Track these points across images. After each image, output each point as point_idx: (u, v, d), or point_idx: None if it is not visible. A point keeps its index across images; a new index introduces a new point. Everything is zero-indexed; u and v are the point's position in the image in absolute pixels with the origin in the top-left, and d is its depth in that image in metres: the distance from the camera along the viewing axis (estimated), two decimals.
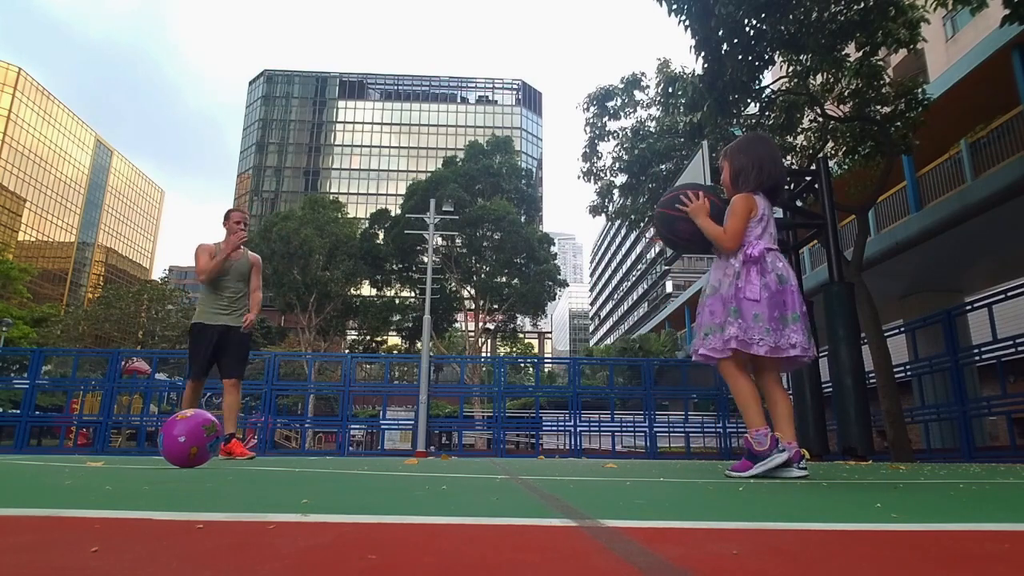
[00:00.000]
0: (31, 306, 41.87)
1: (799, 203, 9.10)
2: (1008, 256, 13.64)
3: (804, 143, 10.78)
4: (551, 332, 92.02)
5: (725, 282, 2.55)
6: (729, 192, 2.75)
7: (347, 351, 38.80)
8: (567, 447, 11.62)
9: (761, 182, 2.63)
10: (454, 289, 37.21)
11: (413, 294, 38.73)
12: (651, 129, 12.55)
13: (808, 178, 8.79)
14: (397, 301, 39.18)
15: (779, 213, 10.13)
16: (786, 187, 2.70)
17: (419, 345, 29.59)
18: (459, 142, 62.66)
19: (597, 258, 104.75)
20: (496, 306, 36.71)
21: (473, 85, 77.86)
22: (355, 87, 76.22)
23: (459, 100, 76.97)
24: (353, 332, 42.76)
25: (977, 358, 8.15)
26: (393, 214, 37.32)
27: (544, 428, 14.08)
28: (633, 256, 76.70)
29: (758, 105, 10.20)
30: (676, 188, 2.87)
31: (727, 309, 2.48)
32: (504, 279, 36.65)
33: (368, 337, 40.25)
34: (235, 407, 4.85)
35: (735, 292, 2.49)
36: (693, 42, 7.72)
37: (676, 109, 11.60)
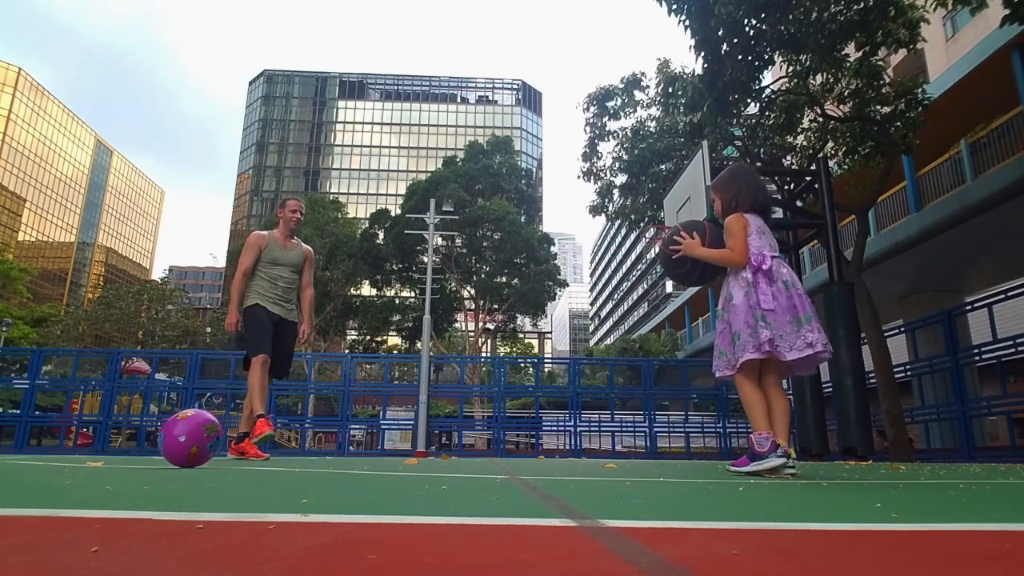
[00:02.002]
0: (31, 306, 41.88)
1: (799, 203, 9.10)
2: (1008, 256, 13.64)
3: (804, 143, 10.78)
4: (551, 332, 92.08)
5: (740, 294, 2.74)
6: (723, 217, 2.97)
7: (347, 351, 38.80)
8: (567, 447, 11.62)
9: (749, 206, 2.87)
10: (454, 289, 37.20)
11: (413, 294, 38.73)
12: (651, 129, 12.53)
13: (808, 178, 8.79)
14: (397, 301, 39.18)
15: (779, 213, 10.14)
16: (773, 208, 3.03)
17: (419, 345, 29.59)
18: (459, 142, 62.66)
19: (597, 258, 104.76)
20: (496, 306, 36.71)
21: (473, 85, 77.87)
22: (355, 87, 76.23)
23: (459, 100, 76.97)
24: (353, 332, 42.75)
25: (977, 358, 8.16)
26: (393, 214, 37.30)
27: (544, 428, 14.07)
28: (633, 256, 76.68)
29: (758, 105, 10.19)
30: (671, 230, 3.10)
31: (754, 316, 2.66)
32: (504, 279, 36.64)
33: (368, 337, 40.24)
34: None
35: (753, 304, 2.67)
36: (693, 42, 7.71)
37: (676, 109, 11.59)
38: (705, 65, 7.93)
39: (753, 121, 10.71)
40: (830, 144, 10.22)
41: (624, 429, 12.47)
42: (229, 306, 4.58)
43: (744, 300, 2.70)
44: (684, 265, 2.98)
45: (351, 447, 13.22)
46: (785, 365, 2.67)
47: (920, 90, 9.19)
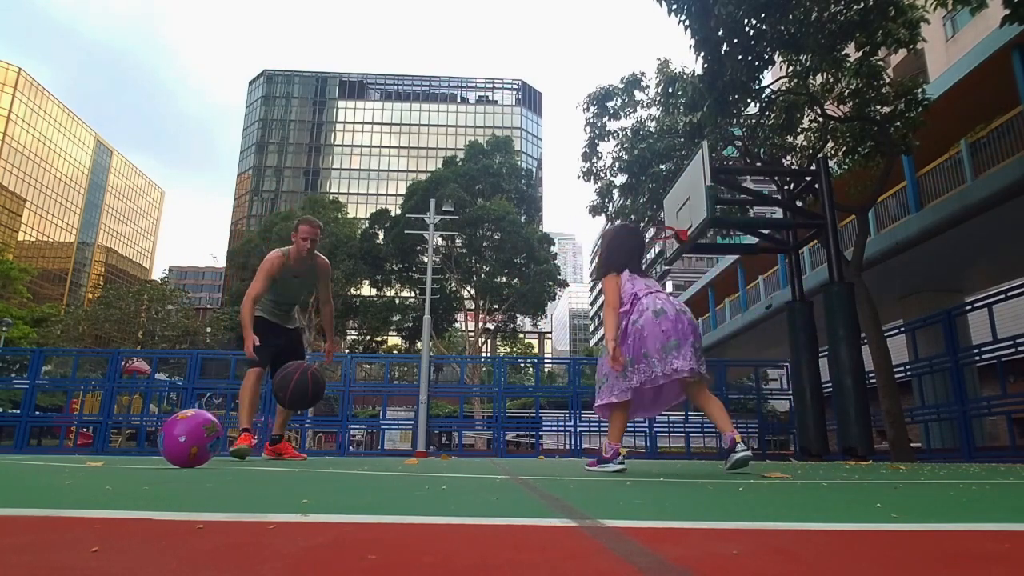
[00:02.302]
0: (31, 306, 41.89)
1: (799, 203, 9.10)
2: (1008, 256, 13.64)
3: (804, 143, 10.77)
4: (551, 332, 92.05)
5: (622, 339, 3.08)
6: (598, 276, 3.40)
7: (347, 351, 38.79)
8: (567, 447, 11.62)
9: (615, 265, 3.20)
10: (454, 289, 37.21)
11: (413, 294, 38.74)
12: (651, 129, 12.53)
13: (808, 178, 8.79)
14: (397, 301, 39.20)
15: (779, 213, 10.13)
16: (643, 256, 3.50)
17: (419, 345, 29.59)
18: (459, 142, 62.67)
19: (597, 258, 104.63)
20: (496, 306, 36.71)
21: (473, 85, 77.87)
22: (355, 87, 76.23)
23: (459, 100, 76.97)
24: (353, 332, 42.77)
25: (977, 358, 8.15)
26: (393, 214, 37.32)
27: (544, 428, 14.07)
28: None
29: (758, 105, 10.19)
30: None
31: (628, 361, 2.98)
32: (504, 279, 36.65)
33: (368, 337, 40.27)
34: (287, 411, 4.76)
35: (627, 346, 3.00)
36: (693, 42, 7.71)
37: (676, 109, 11.58)
38: (705, 65, 7.93)
39: (753, 121, 10.70)
40: (830, 144, 10.22)
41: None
42: (244, 332, 4.47)
43: (624, 340, 3.03)
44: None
45: (351, 447, 13.22)
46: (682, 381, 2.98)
47: (920, 90, 9.18)
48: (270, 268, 4.64)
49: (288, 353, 4.71)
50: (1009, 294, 7.41)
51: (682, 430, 11.91)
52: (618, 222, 13.26)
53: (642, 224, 13.55)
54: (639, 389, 2.95)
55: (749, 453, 2.87)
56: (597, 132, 12.92)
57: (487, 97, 77.14)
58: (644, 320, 2.94)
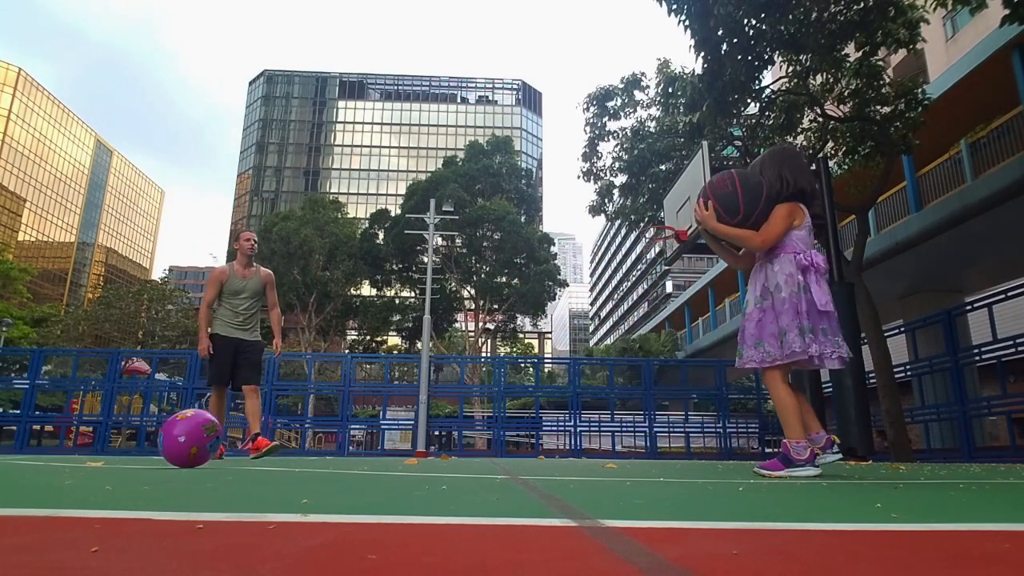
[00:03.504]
0: (31, 306, 41.87)
1: None
2: (1008, 256, 13.63)
3: (804, 143, 10.77)
4: (551, 332, 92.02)
5: (787, 291, 2.62)
6: (764, 204, 2.75)
7: (347, 351, 38.80)
8: (567, 447, 11.62)
9: (795, 193, 2.72)
10: (454, 289, 37.20)
11: (413, 294, 38.72)
12: (651, 129, 12.53)
13: None
14: (397, 301, 39.17)
15: None
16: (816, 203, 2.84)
17: (419, 345, 29.58)
18: (459, 142, 62.66)
19: (597, 258, 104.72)
20: (496, 306, 36.70)
21: (473, 85, 77.84)
22: (355, 87, 76.21)
23: (459, 100, 76.94)
24: (353, 332, 42.75)
25: (977, 358, 8.15)
26: (393, 214, 37.30)
27: (544, 428, 14.07)
28: (633, 256, 76.70)
29: (758, 105, 10.19)
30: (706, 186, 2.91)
31: (801, 325, 2.57)
32: (504, 279, 36.63)
33: (368, 337, 40.24)
34: (258, 410, 5.18)
35: (803, 310, 2.57)
36: (693, 42, 7.71)
37: (676, 109, 11.58)
38: (705, 65, 7.93)
39: (753, 121, 10.70)
40: (830, 144, 10.22)
41: (624, 429, 12.47)
42: (199, 335, 5.09)
43: (791, 300, 2.61)
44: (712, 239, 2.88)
45: (351, 447, 13.23)
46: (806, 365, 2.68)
47: (920, 90, 9.18)
48: (215, 277, 5.19)
49: (238, 361, 5.14)
50: (1009, 294, 7.41)
51: (682, 430, 11.91)
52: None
53: (642, 224, 13.56)
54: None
55: (841, 456, 2.67)
56: (597, 132, 12.92)
57: (487, 97, 77.12)
58: (813, 291, 2.59)
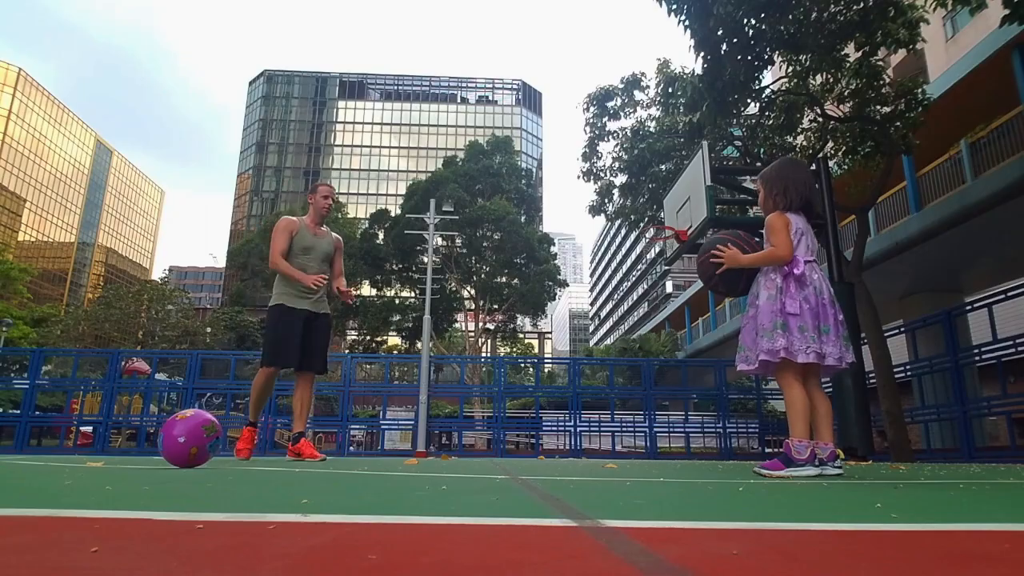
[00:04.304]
0: (31, 306, 41.87)
1: None
2: (1008, 256, 13.63)
3: (804, 143, 10.78)
4: (551, 332, 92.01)
5: (765, 295, 2.76)
6: (765, 213, 2.95)
7: (347, 351, 38.80)
8: (567, 447, 11.62)
9: (790, 202, 2.84)
10: (454, 289, 37.20)
11: (413, 294, 38.72)
12: (651, 129, 12.54)
13: None
14: (397, 301, 39.17)
15: None
16: (817, 206, 3.04)
17: (419, 345, 29.57)
18: (459, 142, 62.67)
19: (597, 258, 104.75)
20: (496, 306, 36.71)
21: (473, 85, 77.86)
22: (355, 87, 76.23)
23: (459, 100, 76.97)
24: (353, 332, 42.75)
25: (977, 358, 8.15)
26: (393, 214, 37.31)
27: (544, 428, 14.07)
28: (633, 256, 76.69)
29: (758, 105, 10.19)
30: (709, 243, 3.08)
31: (774, 322, 2.68)
32: (504, 279, 36.64)
33: (368, 337, 40.24)
34: (308, 403, 4.45)
35: (780, 307, 2.69)
36: (693, 42, 7.71)
37: (676, 109, 11.59)
38: (705, 65, 7.93)
39: (753, 121, 10.70)
40: (830, 144, 10.22)
41: (624, 429, 12.47)
42: (295, 277, 4.24)
43: (767, 303, 2.72)
44: (736, 282, 2.97)
45: (351, 447, 13.23)
46: (823, 368, 2.70)
47: (920, 90, 9.19)
48: (285, 227, 4.35)
49: (308, 339, 4.37)
50: (1009, 294, 7.41)
51: (682, 430, 11.91)
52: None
53: (642, 224, 13.56)
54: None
55: (843, 471, 2.64)
56: (597, 132, 12.93)
57: (487, 97, 77.14)
58: (806, 294, 2.70)
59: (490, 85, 77.59)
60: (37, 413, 13.31)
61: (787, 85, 9.93)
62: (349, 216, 41.31)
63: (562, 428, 12.47)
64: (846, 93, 9.35)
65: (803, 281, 2.71)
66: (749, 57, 7.93)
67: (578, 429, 11.27)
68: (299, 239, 4.42)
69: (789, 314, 2.65)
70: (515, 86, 76.97)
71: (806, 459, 2.56)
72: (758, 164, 11.16)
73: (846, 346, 2.69)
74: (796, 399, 2.65)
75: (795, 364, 2.65)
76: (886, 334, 8.85)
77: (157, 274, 72.66)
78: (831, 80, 9.48)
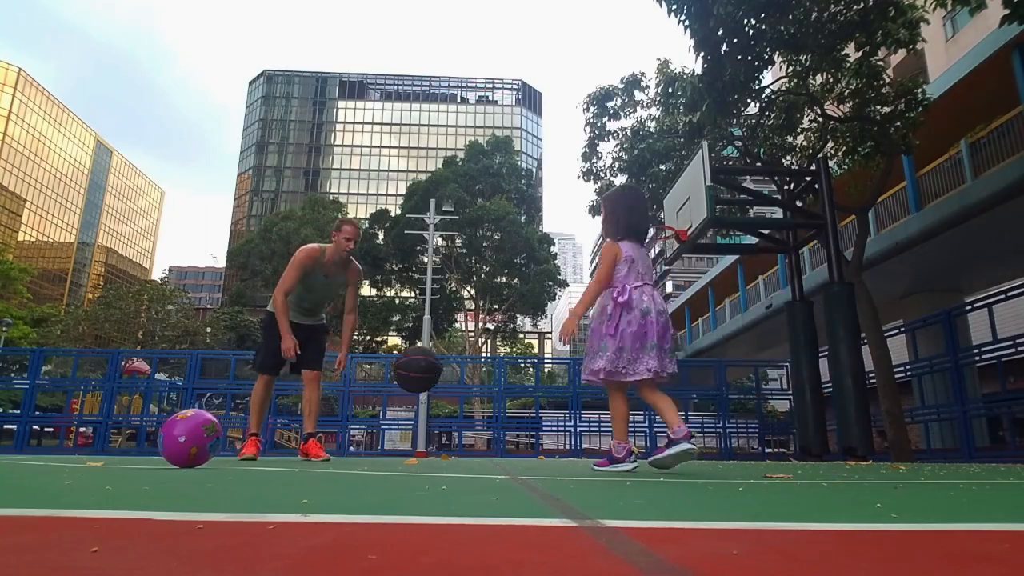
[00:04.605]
0: (31, 306, 41.87)
1: (799, 203, 9.10)
2: (1008, 256, 13.63)
3: (804, 143, 10.78)
4: (551, 332, 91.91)
5: (597, 318, 3.08)
6: (603, 235, 3.27)
7: None
8: (567, 447, 11.62)
9: (620, 230, 3.13)
10: (454, 289, 37.21)
11: (413, 294, 38.74)
12: (651, 129, 12.52)
13: (808, 178, 8.79)
14: (397, 301, 39.19)
15: (779, 213, 10.12)
16: (649, 231, 3.45)
17: (419, 345, 29.57)
18: (459, 142, 62.68)
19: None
20: (496, 306, 36.72)
21: (473, 85, 77.86)
22: (355, 87, 76.23)
23: (459, 100, 76.97)
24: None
25: (977, 358, 8.16)
26: (393, 214, 37.33)
27: (544, 428, 14.08)
28: None
29: (758, 105, 10.19)
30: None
31: (600, 345, 2.99)
32: (504, 279, 36.66)
33: (368, 337, 40.25)
34: (317, 403, 4.50)
35: (604, 331, 2.99)
36: (693, 42, 7.71)
37: (676, 109, 11.58)
38: (705, 65, 7.93)
39: (753, 121, 10.70)
40: (830, 144, 10.22)
41: None
42: (281, 331, 4.26)
43: (597, 326, 3.03)
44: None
45: (351, 447, 13.23)
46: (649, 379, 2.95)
47: (920, 90, 9.18)
48: (304, 260, 4.38)
49: (304, 344, 4.43)
50: (1009, 294, 7.41)
51: None
52: (620, 183, 13.15)
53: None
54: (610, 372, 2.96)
55: (694, 448, 2.78)
56: (597, 132, 12.92)
57: (487, 97, 77.13)
58: (630, 318, 2.95)
59: (490, 85, 77.58)
60: (37, 413, 13.31)
61: (787, 85, 9.93)
62: (349, 216, 41.28)
63: (562, 428, 12.47)
64: (846, 93, 9.35)
65: (629, 305, 2.96)
66: (749, 57, 7.93)
67: (578, 429, 11.27)
68: (312, 276, 4.46)
69: (608, 336, 2.95)
70: (515, 86, 76.97)
71: (623, 457, 2.98)
72: (758, 164, 11.16)
73: (670, 359, 2.96)
74: (616, 408, 3.06)
75: (611, 380, 2.97)
76: (886, 334, 8.85)
77: (157, 274, 72.68)
78: (831, 80, 9.47)
